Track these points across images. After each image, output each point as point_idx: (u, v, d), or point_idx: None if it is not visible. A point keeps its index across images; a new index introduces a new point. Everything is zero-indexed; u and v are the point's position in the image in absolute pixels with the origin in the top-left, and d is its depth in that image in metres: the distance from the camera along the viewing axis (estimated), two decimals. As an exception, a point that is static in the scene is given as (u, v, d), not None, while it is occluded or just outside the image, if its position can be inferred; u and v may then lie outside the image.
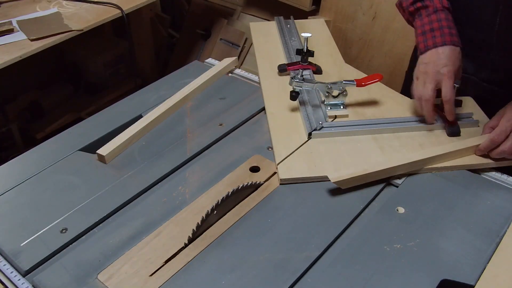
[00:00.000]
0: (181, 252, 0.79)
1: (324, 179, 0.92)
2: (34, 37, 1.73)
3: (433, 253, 0.79)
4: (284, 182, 0.93)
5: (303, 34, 1.17)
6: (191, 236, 0.81)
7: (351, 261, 0.78)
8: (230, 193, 0.86)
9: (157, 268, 0.77)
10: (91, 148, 1.02)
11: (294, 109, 1.11)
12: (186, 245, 0.80)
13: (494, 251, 0.79)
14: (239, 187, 0.88)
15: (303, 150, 0.99)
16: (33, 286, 0.76)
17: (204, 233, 0.83)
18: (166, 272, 0.76)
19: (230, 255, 0.79)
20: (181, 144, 1.03)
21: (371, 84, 1.09)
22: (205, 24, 2.61)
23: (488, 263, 0.78)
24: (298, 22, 1.47)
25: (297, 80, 1.05)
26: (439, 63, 0.98)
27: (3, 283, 0.77)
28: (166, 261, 0.78)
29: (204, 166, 0.98)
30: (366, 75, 1.18)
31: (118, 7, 1.95)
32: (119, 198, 0.90)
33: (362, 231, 0.83)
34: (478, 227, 0.84)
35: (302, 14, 2.14)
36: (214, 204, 0.83)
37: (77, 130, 1.09)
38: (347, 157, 0.97)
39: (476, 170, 0.96)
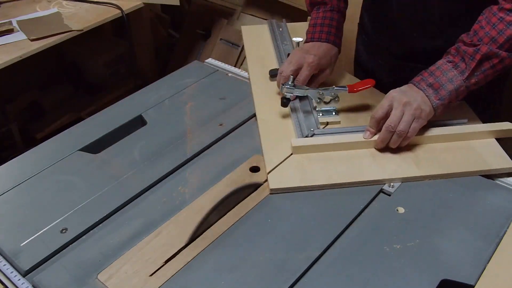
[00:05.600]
0: (181, 252, 0.79)
1: (316, 188, 0.91)
2: (34, 37, 1.73)
3: (433, 253, 0.79)
4: (274, 192, 0.90)
5: (294, 39, 1.14)
6: (191, 236, 0.81)
7: (351, 261, 0.78)
8: (230, 193, 0.86)
9: (157, 268, 0.77)
10: (91, 148, 1.02)
11: (285, 116, 1.08)
12: (186, 245, 0.80)
13: (494, 251, 0.79)
14: (239, 187, 0.88)
15: (294, 158, 0.97)
16: (33, 286, 0.76)
17: (204, 233, 0.83)
18: (166, 272, 0.76)
19: (230, 255, 0.79)
20: (181, 144, 1.03)
21: (364, 90, 1.07)
22: (205, 24, 2.60)
23: (488, 263, 0.78)
24: (291, 25, 1.42)
25: (288, 86, 1.04)
26: (311, 52, 1.10)
27: (3, 283, 0.77)
28: (166, 261, 0.78)
29: (204, 166, 0.98)
30: (358, 80, 1.16)
31: (118, 7, 1.95)
32: (119, 198, 0.90)
33: (362, 231, 0.83)
34: (478, 227, 0.84)
35: (302, 15, 2.13)
36: (214, 204, 0.83)
37: (77, 130, 1.09)
38: (339, 165, 0.95)
39: (476, 170, 0.96)
